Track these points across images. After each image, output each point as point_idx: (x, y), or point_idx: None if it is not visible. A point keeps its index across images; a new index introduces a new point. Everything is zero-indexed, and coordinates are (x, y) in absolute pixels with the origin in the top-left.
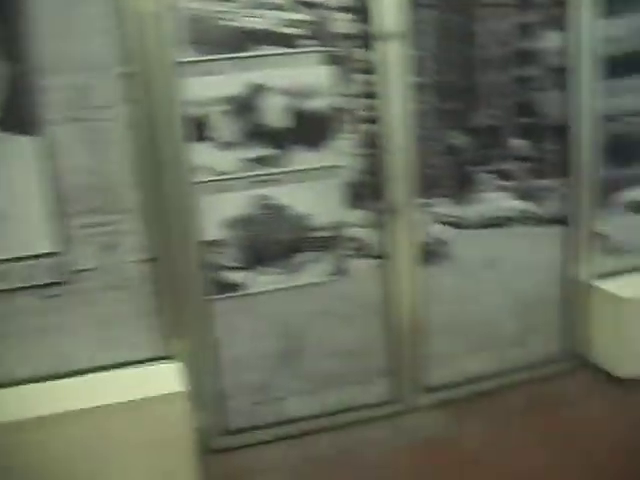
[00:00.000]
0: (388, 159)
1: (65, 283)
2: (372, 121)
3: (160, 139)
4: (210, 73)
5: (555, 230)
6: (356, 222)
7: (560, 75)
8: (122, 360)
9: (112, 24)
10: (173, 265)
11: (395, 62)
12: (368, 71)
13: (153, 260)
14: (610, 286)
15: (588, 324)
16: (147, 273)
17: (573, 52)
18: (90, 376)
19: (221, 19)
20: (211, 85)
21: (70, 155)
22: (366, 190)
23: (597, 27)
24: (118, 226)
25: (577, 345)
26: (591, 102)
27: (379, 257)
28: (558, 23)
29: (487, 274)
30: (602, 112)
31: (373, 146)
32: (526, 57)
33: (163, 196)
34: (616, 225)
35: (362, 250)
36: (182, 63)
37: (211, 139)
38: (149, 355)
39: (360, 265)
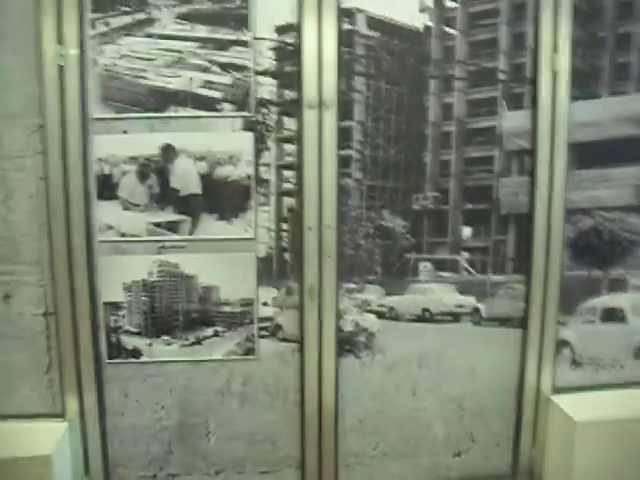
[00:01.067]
0: (307, 236)
1: None
2: (291, 194)
3: (69, 193)
4: (123, 131)
5: (504, 331)
6: (268, 301)
7: (520, 159)
8: (8, 412)
9: (28, 77)
10: (72, 322)
11: (321, 133)
12: (290, 140)
13: (51, 314)
14: (566, 403)
15: (537, 440)
16: (44, 327)
17: (541, 135)
18: None
19: (138, 77)
20: (123, 144)
21: None
22: (281, 267)
23: (570, 109)
24: (19, 276)
25: (523, 461)
26: (560, 192)
27: (293, 341)
28: (521, 101)
29: (419, 372)
30: (571, 204)
31: (291, 221)
32: (481, 137)
33: (67, 251)
34: (581, 333)
35: (273, 331)
36: (96, 119)
37: (119, 199)
38: (38, 410)
39: (270, 347)
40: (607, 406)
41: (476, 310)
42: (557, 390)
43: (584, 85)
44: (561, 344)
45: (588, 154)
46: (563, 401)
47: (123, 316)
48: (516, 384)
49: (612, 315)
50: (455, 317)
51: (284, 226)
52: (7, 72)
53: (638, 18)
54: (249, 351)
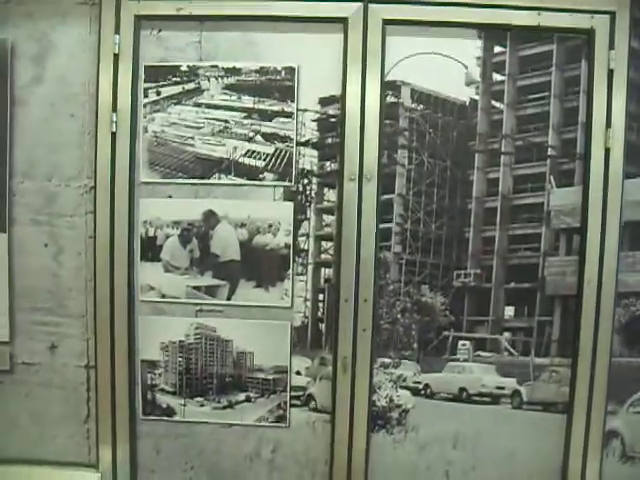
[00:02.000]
0: (343, 308)
1: (9, 372)
2: (329, 265)
3: (114, 253)
4: (168, 196)
5: (547, 417)
6: (302, 370)
7: (569, 238)
8: (47, 458)
9: (83, 140)
10: (110, 376)
11: (361, 204)
12: (330, 211)
13: (92, 367)
14: None
15: None
16: (85, 379)
17: (592, 213)
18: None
19: (185, 144)
20: (168, 208)
21: (31, 255)
22: (316, 338)
23: (624, 186)
24: (64, 329)
25: None
26: (611, 273)
27: (324, 412)
28: (570, 178)
29: (454, 454)
30: (624, 287)
31: (328, 292)
32: (528, 213)
33: (110, 308)
34: (633, 425)
35: (306, 401)
36: (143, 183)
37: (161, 261)
38: (74, 459)
39: (302, 416)
40: None
41: (517, 393)
42: None
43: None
44: (610, 435)
45: None
46: None
47: (159, 374)
48: (559, 474)
49: None
50: (494, 399)
51: (320, 297)
52: (66, 135)
53: None
54: (280, 419)
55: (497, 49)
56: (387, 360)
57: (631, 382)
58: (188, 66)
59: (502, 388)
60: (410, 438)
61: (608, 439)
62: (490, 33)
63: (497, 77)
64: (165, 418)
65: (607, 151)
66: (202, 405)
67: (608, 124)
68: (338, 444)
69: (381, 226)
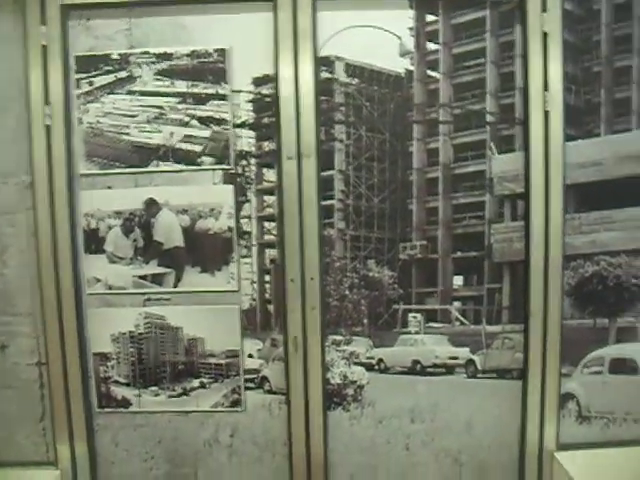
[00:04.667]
0: (290, 288)
1: None
2: (273, 246)
3: (57, 248)
4: (108, 187)
5: (502, 384)
6: (254, 352)
7: (513, 204)
8: (4, 460)
9: (18, 135)
10: (63, 372)
11: (301, 183)
12: (271, 192)
13: (44, 364)
14: (570, 461)
15: None
16: (38, 376)
17: (534, 178)
18: None
19: (121, 133)
20: (108, 199)
21: None
22: (265, 319)
23: (566, 149)
24: (14, 327)
25: None
26: (557, 237)
27: (279, 393)
28: (511, 143)
29: (412, 426)
30: (571, 249)
31: (274, 273)
32: (470, 182)
33: (57, 303)
34: (588, 386)
35: (260, 383)
36: (82, 175)
37: (105, 252)
38: (32, 458)
39: (257, 399)
40: (615, 465)
41: (471, 362)
42: (563, 446)
43: (581, 123)
44: (565, 397)
45: (588, 196)
46: (567, 459)
47: (112, 367)
48: (517, 439)
49: (622, 366)
50: (448, 369)
51: (267, 278)
52: (0, 131)
53: (635, 51)
54: (236, 403)
55: (430, 18)
56: (338, 337)
57: (583, 343)
58: (119, 54)
59: (456, 358)
60: (367, 414)
61: (564, 402)
62: (422, 2)
63: (431, 46)
64: (121, 410)
65: (546, 114)
66: (157, 394)
67: (545, 87)
68: (295, 424)
69: (323, 203)
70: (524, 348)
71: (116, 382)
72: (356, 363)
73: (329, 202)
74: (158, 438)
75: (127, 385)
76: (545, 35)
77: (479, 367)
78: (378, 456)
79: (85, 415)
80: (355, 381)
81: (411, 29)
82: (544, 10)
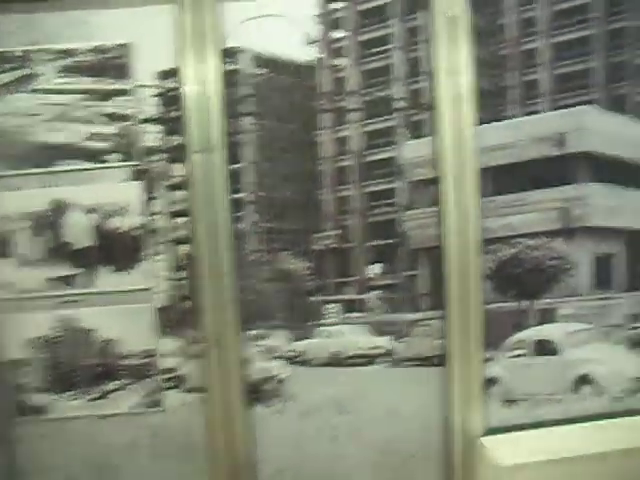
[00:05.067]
0: (204, 284)
1: None
2: (186, 241)
3: None
4: (13, 188)
5: (425, 371)
6: (170, 351)
7: (426, 189)
8: None
9: None
10: None
11: (210, 177)
12: (180, 187)
13: None
14: (495, 444)
15: None
16: None
17: (445, 162)
18: None
19: (26, 133)
20: (14, 200)
21: None
22: (182, 317)
23: (478, 133)
24: None
25: None
26: (472, 221)
27: (199, 391)
28: (422, 129)
29: (338, 418)
30: (488, 233)
31: (188, 269)
32: (382, 169)
33: None
34: (511, 369)
35: (178, 382)
36: None
37: (14, 256)
38: None
39: (177, 398)
40: (541, 446)
41: (392, 350)
42: (490, 431)
43: (491, 107)
44: (489, 381)
45: (502, 179)
46: (493, 443)
47: (28, 373)
48: (443, 426)
49: (544, 347)
50: (370, 359)
51: (182, 274)
52: None
53: (543, 33)
54: (155, 403)
55: (336, 5)
56: (257, 332)
57: (505, 327)
58: (21, 51)
59: (376, 347)
60: (290, 408)
61: (488, 386)
62: None
63: (338, 34)
64: (39, 417)
65: (455, 99)
66: (75, 399)
67: (454, 71)
68: (216, 422)
69: (234, 196)
70: (445, 334)
71: (32, 389)
72: (276, 357)
73: (241, 195)
74: (77, 443)
75: (44, 391)
76: (453, 19)
77: (401, 355)
78: (305, 449)
79: (1, 425)
80: (276, 375)
81: (317, 17)
82: None
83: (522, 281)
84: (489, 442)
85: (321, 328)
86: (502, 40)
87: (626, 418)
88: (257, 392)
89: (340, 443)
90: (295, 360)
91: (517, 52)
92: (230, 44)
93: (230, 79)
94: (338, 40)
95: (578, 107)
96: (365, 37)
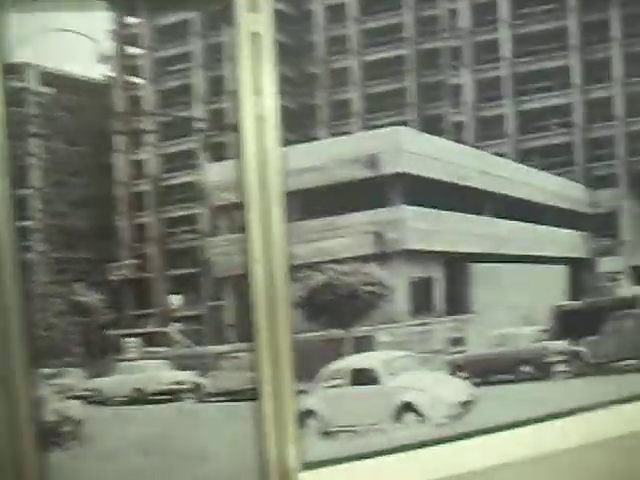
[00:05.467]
0: None
1: None
2: None
3: None
4: None
5: (236, 406)
6: None
7: (230, 215)
8: None
9: None
10: None
11: None
12: None
13: None
14: None
15: None
16: None
17: (249, 186)
18: None
19: None
20: None
21: None
22: None
23: (281, 156)
24: None
25: None
26: (279, 247)
27: None
28: (224, 151)
29: (143, 460)
30: (297, 259)
31: None
32: (182, 194)
33: None
34: (328, 400)
35: None
36: None
37: None
38: None
39: None
40: (360, 478)
41: (199, 385)
42: (309, 465)
43: (299, 127)
44: (305, 414)
45: (311, 202)
46: (311, 478)
47: None
48: (259, 463)
49: (363, 376)
50: (175, 395)
51: None
52: None
53: (353, 52)
54: None
55: (131, 20)
56: (49, 370)
57: (320, 357)
58: None
59: (181, 382)
60: (90, 450)
61: (304, 419)
62: (121, 3)
63: (133, 51)
64: None
65: (259, 119)
66: None
67: (258, 91)
68: (8, 472)
69: (20, 224)
70: (255, 367)
71: None
72: (71, 397)
73: (26, 223)
74: None
75: None
76: (257, 36)
77: (208, 390)
78: None
79: None
80: (71, 416)
81: (111, 32)
82: (254, 10)
83: (336, 308)
84: (307, 478)
85: (120, 364)
86: (311, 58)
87: (449, 444)
88: (54, 435)
89: None
90: (93, 399)
91: (327, 71)
92: (15, 59)
93: (13, 98)
94: (134, 57)
95: (391, 127)
96: (163, 54)
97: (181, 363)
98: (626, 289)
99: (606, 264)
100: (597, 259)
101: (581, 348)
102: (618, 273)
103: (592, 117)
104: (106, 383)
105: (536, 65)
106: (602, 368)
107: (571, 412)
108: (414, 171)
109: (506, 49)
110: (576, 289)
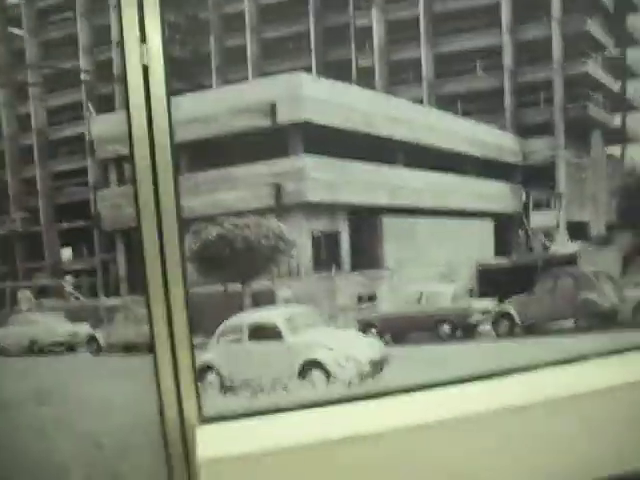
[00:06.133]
0: None
1: None
2: None
3: None
4: None
5: (133, 359)
6: None
7: (119, 167)
8: None
9: None
10: None
11: None
12: None
13: None
14: (209, 434)
15: (193, 476)
16: None
17: (137, 138)
18: None
19: None
20: None
21: None
22: None
23: (173, 105)
24: None
25: None
26: (169, 199)
27: None
28: (111, 103)
29: (42, 411)
30: (189, 212)
31: None
32: (69, 146)
33: None
34: (228, 355)
35: None
36: None
37: None
38: None
39: None
40: (260, 435)
41: (93, 338)
42: (209, 419)
43: (188, 76)
44: (205, 369)
45: (204, 154)
46: (211, 432)
47: None
48: (158, 417)
49: (263, 333)
50: (70, 347)
51: None
52: None
53: None
54: None
55: None
56: None
57: (219, 311)
58: None
59: (75, 335)
60: None
61: (203, 373)
62: None
63: (13, 0)
64: None
65: (145, 69)
66: None
67: (143, 39)
68: None
69: None
70: (149, 320)
71: None
72: None
73: None
74: None
75: None
76: None
77: (103, 343)
78: (10, 446)
79: None
80: None
81: None
82: None
83: (233, 262)
84: (206, 432)
85: (14, 316)
86: (201, 3)
87: (357, 404)
88: None
89: (49, 437)
90: None
91: (219, 16)
92: None
93: None
94: (12, 7)
95: (290, 73)
96: (44, 4)
97: (74, 316)
98: (561, 245)
99: (539, 219)
100: (529, 213)
101: (509, 308)
102: (552, 228)
103: (525, 59)
104: (1, 334)
105: (459, 3)
106: (533, 329)
107: (490, 375)
108: (316, 119)
109: None
110: (505, 245)
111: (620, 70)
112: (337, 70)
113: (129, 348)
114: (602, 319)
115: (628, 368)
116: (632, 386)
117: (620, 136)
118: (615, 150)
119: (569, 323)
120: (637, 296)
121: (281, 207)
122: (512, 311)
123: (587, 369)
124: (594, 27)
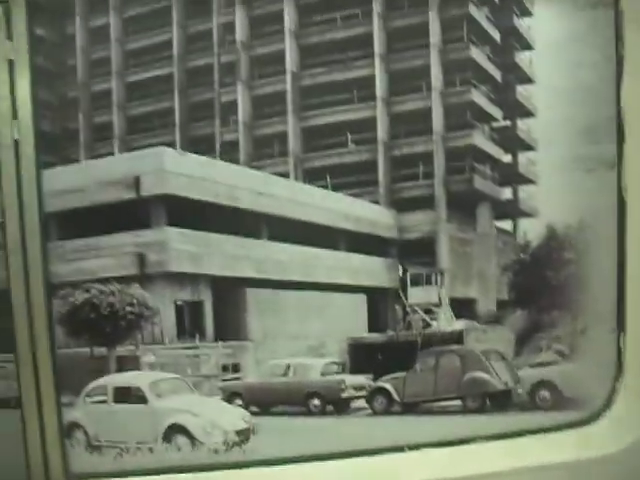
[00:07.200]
0: None
1: None
2: None
3: None
4: None
5: (5, 413)
6: None
7: None
8: None
9: None
10: None
11: None
12: None
13: None
14: None
15: None
16: None
17: (8, 208)
18: None
19: None
20: None
21: None
22: None
23: (38, 178)
24: None
25: None
26: (37, 265)
27: None
28: None
29: None
30: (57, 277)
31: None
32: None
33: None
34: (93, 415)
35: None
36: None
37: None
38: None
39: None
40: None
41: None
42: (76, 476)
43: (58, 150)
44: (72, 426)
45: (71, 223)
46: None
47: None
48: (24, 473)
49: (128, 395)
50: None
51: None
52: None
53: (116, 74)
54: None
55: None
56: None
57: (83, 373)
58: None
59: None
60: None
61: (70, 431)
62: None
63: None
64: None
65: (16, 143)
66: None
67: (15, 115)
68: None
69: None
70: (17, 377)
71: None
72: None
73: None
74: None
75: None
76: (11, 63)
77: None
78: None
79: None
80: None
81: None
82: (9, 38)
83: (98, 327)
84: None
85: None
86: (71, 81)
87: (223, 471)
88: None
89: None
90: None
91: (88, 94)
92: None
93: None
94: None
95: (154, 148)
96: None
97: None
98: (445, 322)
99: (419, 295)
100: (407, 289)
101: (385, 384)
102: (434, 305)
103: (402, 132)
104: None
105: (330, 76)
106: (414, 408)
107: (352, 454)
108: (179, 192)
109: (292, 61)
110: (380, 321)
111: (510, 141)
112: (202, 145)
113: (1, 402)
114: (495, 400)
115: (516, 453)
116: (517, 472)
117: (511, 209)
118: (506, 224)
119: (457, 402)
120: (533, 377)
121: (145, 276)
122: (389, 387)
123: (467, 452)
124: (479, 97)
